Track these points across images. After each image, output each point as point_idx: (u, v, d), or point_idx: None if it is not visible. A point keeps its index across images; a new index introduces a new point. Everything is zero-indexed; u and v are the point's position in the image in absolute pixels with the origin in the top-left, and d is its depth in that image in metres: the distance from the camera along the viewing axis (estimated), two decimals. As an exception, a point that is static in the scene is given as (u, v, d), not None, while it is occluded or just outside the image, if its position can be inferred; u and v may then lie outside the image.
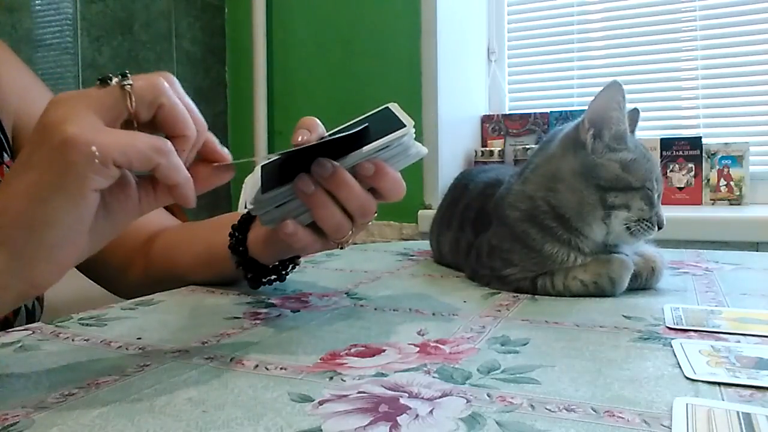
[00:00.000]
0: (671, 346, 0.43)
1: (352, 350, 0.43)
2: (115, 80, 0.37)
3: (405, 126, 0.46)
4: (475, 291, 0.63)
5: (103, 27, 1.52)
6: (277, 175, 0.47)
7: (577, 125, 0.62)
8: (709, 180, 1.58)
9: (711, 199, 1.58)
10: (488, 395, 0.34)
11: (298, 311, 0.55)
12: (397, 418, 0.31)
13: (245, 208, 0.49)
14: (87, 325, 0.51)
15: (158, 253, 0.68)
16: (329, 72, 1.78)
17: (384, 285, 0.67)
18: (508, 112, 1.84)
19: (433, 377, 0.37)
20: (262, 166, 0.50)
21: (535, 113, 1.76)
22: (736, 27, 1.62)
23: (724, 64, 1.63)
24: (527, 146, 1.66)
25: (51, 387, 0.36)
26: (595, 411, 0.32)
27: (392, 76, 1.69)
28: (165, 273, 0.67)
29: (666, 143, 1.60)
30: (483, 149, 1.75)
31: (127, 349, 0.44)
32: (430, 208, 1.61)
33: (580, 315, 0.53)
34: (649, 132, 1.67)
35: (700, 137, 1.59)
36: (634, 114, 0.67)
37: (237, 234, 0.61)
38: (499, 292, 0.62)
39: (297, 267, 0.65)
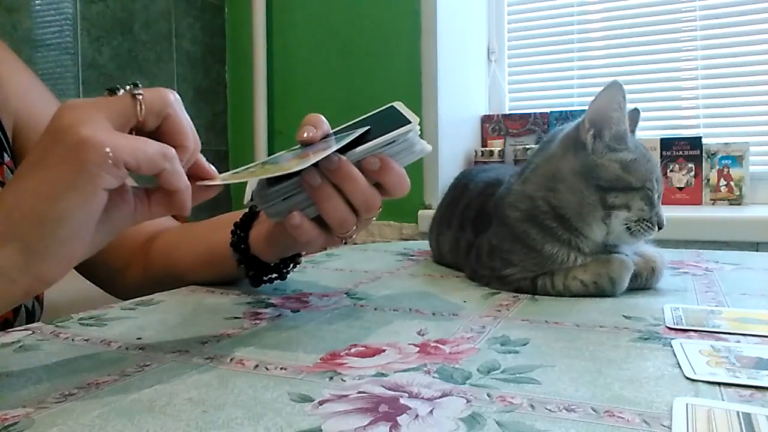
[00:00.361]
0: (671, 346, 0.43)
1: (352, 350, 0.43)
2: (125, 89, 0.39)
3: (410, 122, 0.46)
4: (475, 291, 0.63)
5: (103, 27, 1.52)
6: None
7: (577, 125, 0.62)
8: (709, 180, 1.58)
9: (711, 199, 1.58)
10: (488, 395, 0.34)
11: (298, 311, 0.55)
12: (397, 418, 0.31)
13: (251, 200, 0.50)
14: (87, 325, 0.51)
15: (158, 254, 0.69)
16: (329, 72, 1.78)
17: (384, 285, 0.67)
18: (508, 112, 1.84)
19: (433, 377, 0.37)
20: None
21: (535, 113, 1.76)
22: (736, 27, 1.62)
23: (724, 64, 1.63)
24: (527, 146, 1.66)
25: (51, 387, 0.36)
26: (595, 411, 0.32)
27: (392, 76, 1.69)
28: (165, 273, 0.67)
29: (666, 143, 1.60)
30: (483, 149, 1.75)
31: (127, 349, 0.44)
32: (430, 208, 1.61)
33: (580, 315, 0.53)
34: (649, 132, 1.67)
35: (700, 137, 1.59)
36: (635, 114, 0.67)
37: (239, 232, 0.62)
38: (499, 292, 0.62)
39: (298, 265, 0.65)
